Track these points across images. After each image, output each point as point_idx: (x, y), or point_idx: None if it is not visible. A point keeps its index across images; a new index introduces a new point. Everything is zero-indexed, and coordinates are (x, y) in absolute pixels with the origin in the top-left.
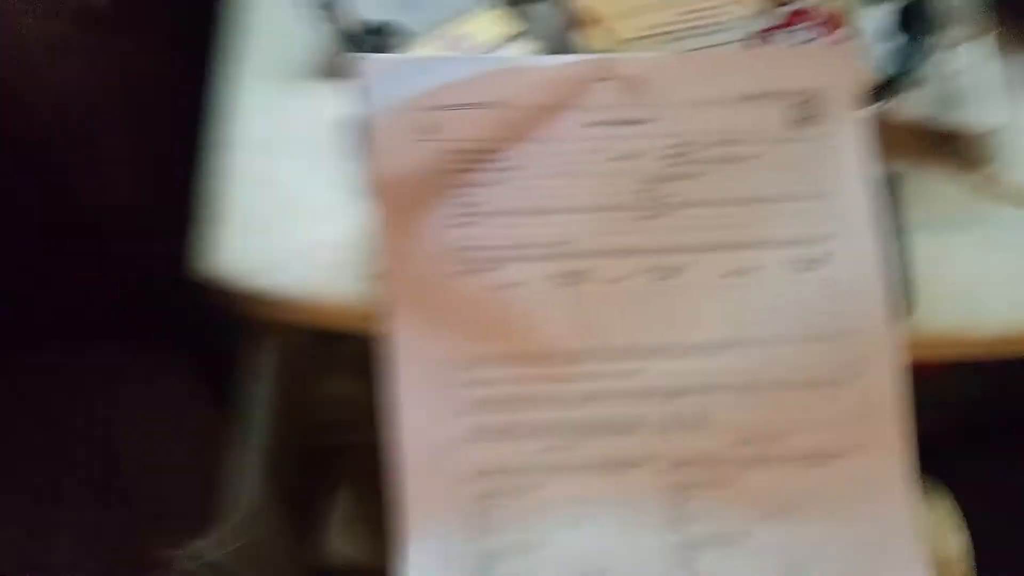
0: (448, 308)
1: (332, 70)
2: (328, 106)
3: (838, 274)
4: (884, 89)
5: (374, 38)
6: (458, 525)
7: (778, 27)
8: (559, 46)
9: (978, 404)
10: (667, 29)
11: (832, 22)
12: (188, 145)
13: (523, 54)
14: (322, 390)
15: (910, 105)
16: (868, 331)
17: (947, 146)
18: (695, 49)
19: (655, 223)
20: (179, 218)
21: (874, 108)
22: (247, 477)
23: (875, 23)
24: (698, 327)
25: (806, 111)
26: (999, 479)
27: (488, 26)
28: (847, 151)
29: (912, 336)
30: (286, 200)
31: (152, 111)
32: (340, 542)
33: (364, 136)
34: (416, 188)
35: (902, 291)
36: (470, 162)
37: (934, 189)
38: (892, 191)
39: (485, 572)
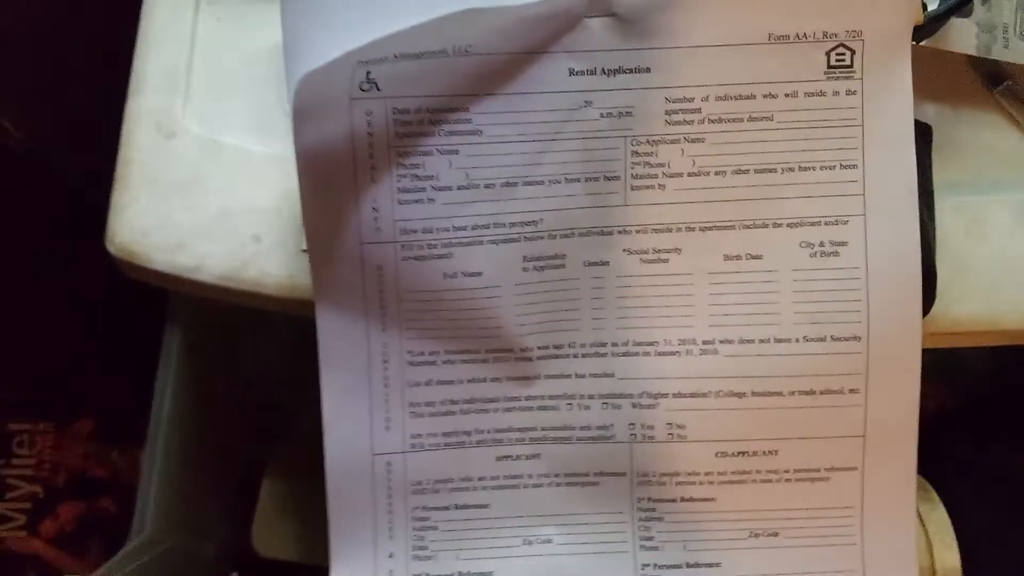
0: (387, 299)
1: None
2: (263, 33)
3: (860, 262)
4: (930, 25)
5: None
6: (390, 546)
7: None
8: None
9: (982, 378)
10: None
11: None
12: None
13: None
14: (254, 373)
15: (950, 37)
16: (885, 333)
17: (991, 88)
18: None
19: (647, 196)
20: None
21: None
22: (152, 488)
23: None
24: (686, 322)
25: (842, 57)
26: (997, 471)
27: None
28: (887, 109)
29: (929, 326)
30: (204, 157)
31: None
32: (265, 537)
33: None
34: (351, 157)
35: (923, 278)
36: (419, 125)
37: (968, 142)
38: (919, 148)
39: None
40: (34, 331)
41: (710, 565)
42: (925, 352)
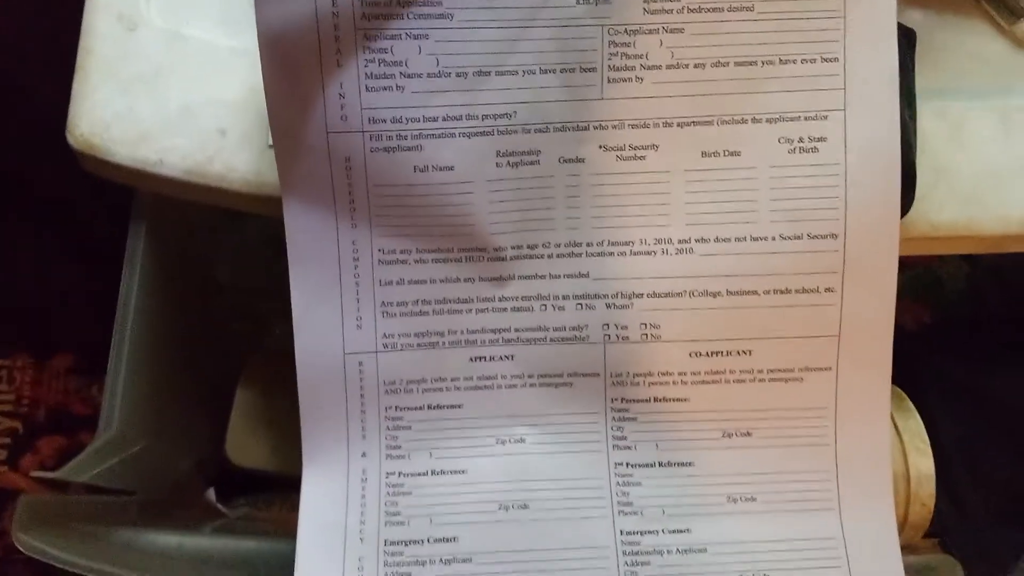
0: (356, 193)
1: None
2: None
3: (840, 158)
4: None
5: None
6: (363, 446)
7: None
8: None
9: (958, 298)
10: None
11: None
12: None
13: None
14: (227, 280)
15: None
16: (863, 231)
17: None
18: None
19: (623, 89)
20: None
21: None
22: (120, 382)
23: None
24: (661, 220)
25: None
26: (970, 385)
27: None
28: (870, 2)
29: (909, 230)
30: (168, 50)
31: None
32: (239, 446)
33: None
34: (315, 39)
35: (903, 178)
36: (388, 6)
37: (952, 48)
38: (902, 51)
39: (392, 501)
40: (4, 265)
41: (683, 464)
42: (903, 270)
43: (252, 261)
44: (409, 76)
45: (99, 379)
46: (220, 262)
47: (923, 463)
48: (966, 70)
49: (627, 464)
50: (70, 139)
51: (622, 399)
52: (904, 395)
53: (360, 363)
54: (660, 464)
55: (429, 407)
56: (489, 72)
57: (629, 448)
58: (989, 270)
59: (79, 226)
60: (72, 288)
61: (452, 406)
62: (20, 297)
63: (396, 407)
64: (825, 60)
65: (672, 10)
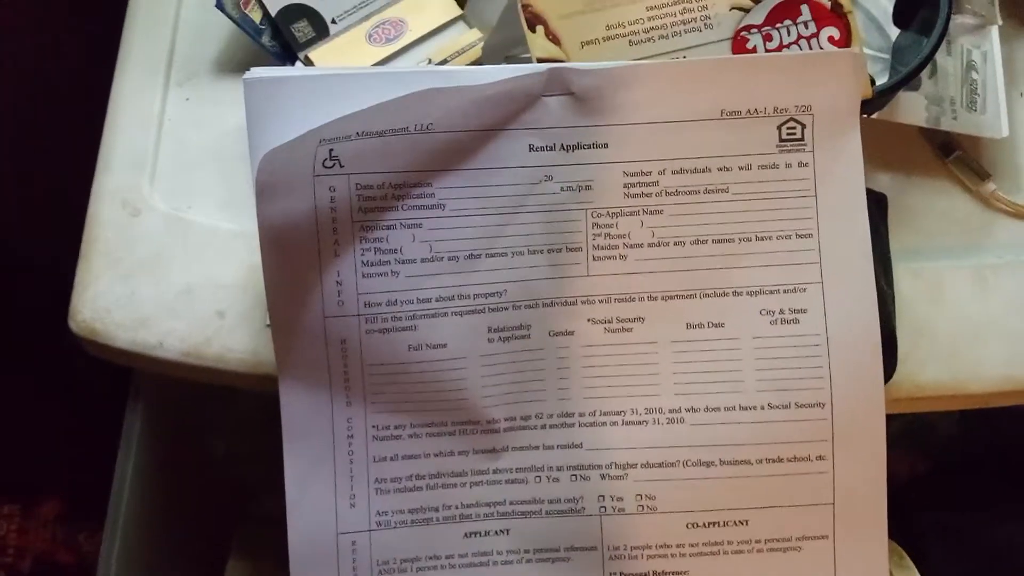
0: (351, 372)
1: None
2: (230, 112)
3: (820, 329)
4: (879, 98)
5: (281, 29)
6: None
7: (761, 25)
8: (506, 35)
9: (951, 443)
10: (629, 30)
11: (825, 18)
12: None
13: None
14: (220, 447)
15: (900, 110)
16: (849, 398)
17: (942, 157)
18: (662, 55)
19: (609, 266)
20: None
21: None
22: (114, 558)
23: (866, 19)
24: (651, 391)
25: (793, 132)
26: (969, 535)
27: (423, 9)
28: (839, 180)
29: (895, 392)
30: (169, 233)
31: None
32: None
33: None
34: (314, 232)
35: (884, 344)
36: (383, 200)
37: (923, 209)
38: (874, 217)
39: None
40: None
41: None
42: (895, 419)
43: (245, 431)
44: (403, 262)
45: (87, 526)
46: (214, 433)
47: None
48: (938, 230)
49: None
50: (72, 325)
51: (621, 573)
52: (902, 552)
53: (353, 542)
54: None
55: None
56: (480, 255)
57: None
58: (980, 411)
59: (71, 382)
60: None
61: None
62: (4, 444)
63: None
64: (800, 236)
65: (651, 193)
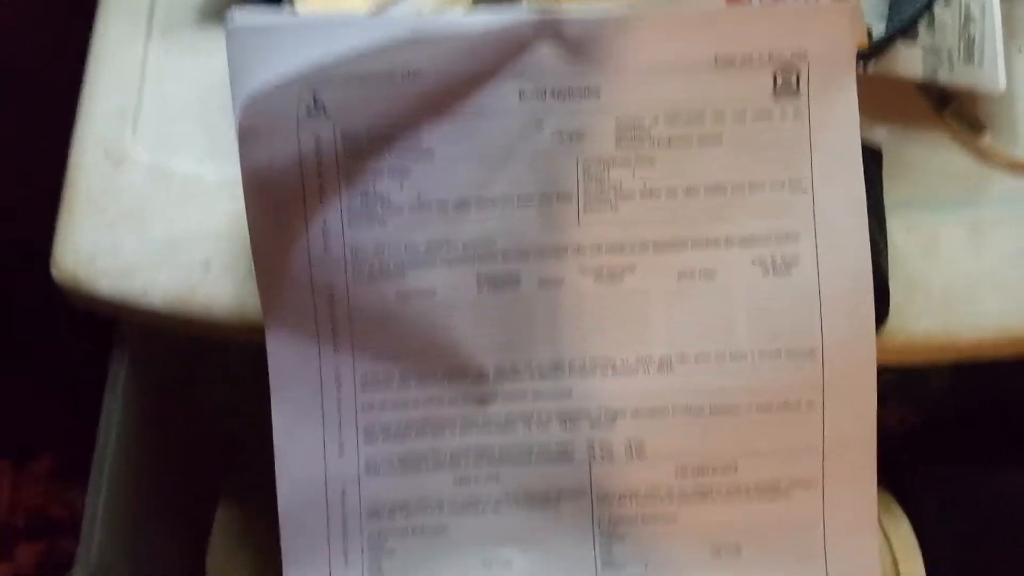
0: (338, 320)
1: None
2: (213, 62)
3: (812, 279)
4: (876, 49)
5: None
6: (345, 573)
7: None
8: None
9: (944, 395)
10: None
11: None
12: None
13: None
14: (208, 399)
15: (897, 62)
16: (840, 347)
17: (939, 110)
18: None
19: (600, 216)
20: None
21: (861, 70)
22: (100, 508)
23: None
24: (641, 339)
25: (788, 80)
26: (963, 487)
27: None
28: (834, 130)
29: (887, 342)
30: (153, 184)
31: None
32: (220, 567)
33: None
34: (298, 179)
35: (876, 293)
36: (369, 147)
37: (919, 163)
38: (869, 170)
39: None
40: None
41: None
42: (887, 372)
43: (232, 380)
44: (391, 210)
45: (80, 482)
46: (201, 383)
47: (914, 570)
48: (934, 184)
49: None
50: (54, 273)
51: (609, 519)
52: (893, 500)
53: (342, 490)
54: None
55: (413, 531)
56: (469, 204)
57: (618, 568)
58: (974, 365)
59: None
60: (54, 391)
61: (437, 530)
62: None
63: (379, 533)
64: (793, 186)
65: (643, 142)
